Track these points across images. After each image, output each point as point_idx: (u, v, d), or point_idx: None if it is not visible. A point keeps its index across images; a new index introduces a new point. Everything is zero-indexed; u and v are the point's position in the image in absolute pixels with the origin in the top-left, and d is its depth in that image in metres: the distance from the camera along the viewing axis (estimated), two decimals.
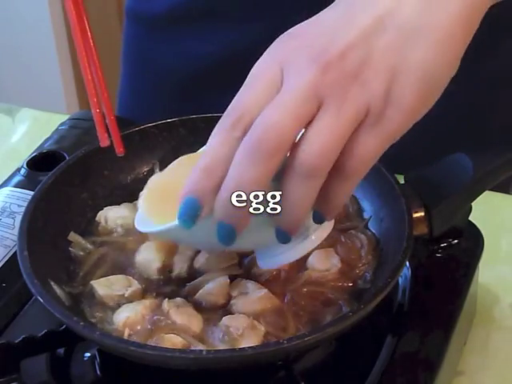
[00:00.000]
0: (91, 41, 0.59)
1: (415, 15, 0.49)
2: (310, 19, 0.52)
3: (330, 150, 0.48)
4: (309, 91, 0.48)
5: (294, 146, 0.48)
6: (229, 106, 0.51)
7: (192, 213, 0.50)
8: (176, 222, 0.52)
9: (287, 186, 0.49)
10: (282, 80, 0.49)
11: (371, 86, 0.48)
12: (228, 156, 0.49)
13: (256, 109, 0.49)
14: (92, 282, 0.63)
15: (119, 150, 0.63)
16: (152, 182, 0.66)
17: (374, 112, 0.49)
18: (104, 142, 0.61)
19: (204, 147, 0.56)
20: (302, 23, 0.52)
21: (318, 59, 0.48)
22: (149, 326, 0.59)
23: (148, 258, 0.64)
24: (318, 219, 0.53)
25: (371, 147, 0.49)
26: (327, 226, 0.57)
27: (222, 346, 0.58)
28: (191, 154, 0.65)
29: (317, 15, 0.53)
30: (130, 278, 0.63)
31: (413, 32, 0.49)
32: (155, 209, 0.61)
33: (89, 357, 0.63)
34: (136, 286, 0.63)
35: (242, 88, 0.51)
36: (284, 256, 0.57)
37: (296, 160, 0.48)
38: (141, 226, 0.61)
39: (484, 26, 0.84)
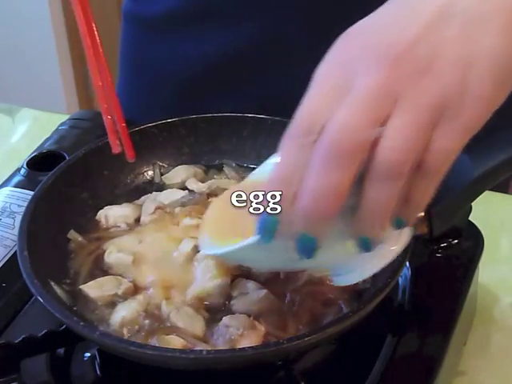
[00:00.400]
0: (100, 48, 0.59)
1: (477, 1, 0.48)
2: (366, 18, 0.50)
3: (410, 145, 0.46)
4: (381, 88, 0.46)
5: (373, 147, 0.46)
6: (296, 114, 0.48)
7: (271, 226, 0.48)
8: (252, 238, 0.49)
9: (368, 189, 0.47)
10: (349, 81, 0.47)
11: (445, 78, 0.47)
12: (303, 164, 0.46)
13: (327, 112, 0.47)
14: (81, 287, 0.63)
15: (130, 156, 0.63)
16: (213, 205, 0.64)
17: (451, 104, 0.47)
18: (116, 149, 0.61)
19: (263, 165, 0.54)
20: (359, 22, 0.50)
21: (386, 56, 0.47)
22: (147, 328, 0.59)
23: None
24: (399, 224, 0.50)
25: (452, 141, 0.47)
26: (407, 231, 0.54)
27: (222, 346, 0.58)
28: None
29: (372, 13, 0.50)
30: (118, 277, 0.63)
31: (479, 18, 0.47)
32: (218, 232, 0.59)
33: (89, 357, 0.63)
34: (126, 283, 0.63)
35: (307, 94, 0.48)
36: (362, 270, 0.54)
37: (376, 160, 0.46)
38: (208, 250, 0.59)
39: None
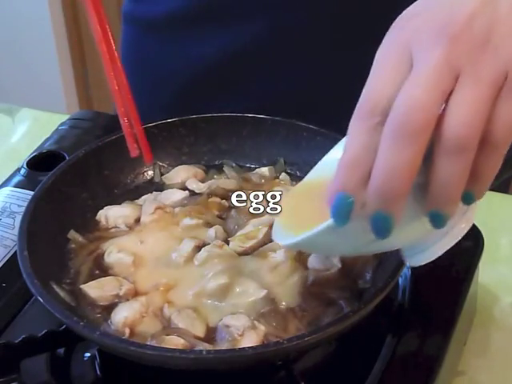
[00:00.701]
0: (115, 53, 0.60)
1: None
2: (415, 3, 0.52)
3: (476, 118, 0.47)
4: (444, 64, 0.47)
5: (438, 123, 0.47)
6: (361, 97, 0.49)
7: (346, 208, 0.48)
8: (327, 222, 0.50)
9: (438, 164, 0.47)
10: (410, 60, 0.49)
11: (504, 50, 0.48)
12: (372, 144, 0.47)
13: (392, 91, 0.48)
14: (82, 286, 0.63)
15: (148, 159, 0.64)
16: (287, 196, 0.65)
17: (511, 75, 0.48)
18: (134, 153, 0.61)
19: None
20: (414, 4, 0.52)
21: (444, 32, 0.48)
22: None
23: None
24: (468, 199, 0.51)
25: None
26: (473, 208, 0.54)
27: (222, 346, 0.58)
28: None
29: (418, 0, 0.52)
30: (119, 278, 0.63)
31: None
32: (292, 223, 0.60)
33: (89, 357, 0.63)
34: (128, 284, 0.63)
35: (369, 76, 0.50)
36: (434, 249, 0.54)
37: (443, 135, 0.47)
38: (282, 240, 0.59)
39: None
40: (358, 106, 0.49)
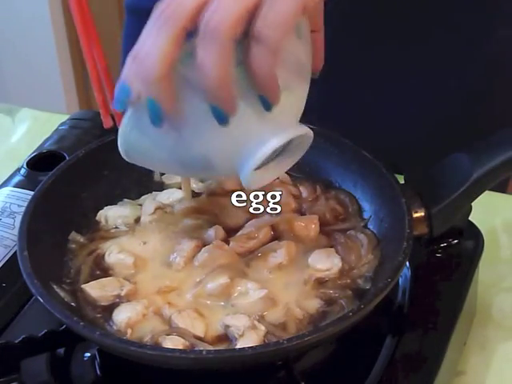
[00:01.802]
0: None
1: None
2: None
3: (234, 13, 0.49)
4: None
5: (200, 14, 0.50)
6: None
7: (123, 95, 0.52)
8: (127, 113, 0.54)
9: (198, 49, 0.50)
10: None
11: None
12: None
13: None
14: (83, 286, 0.63)
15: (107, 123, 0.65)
16: None
17: None
18: (107, 123, 0.63)
19: None
20: None
21: None
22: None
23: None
24: (265, 103, 0.53)
25: (283, 9, 0.50)
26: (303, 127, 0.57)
27: (222, 346, 0.58)
28: None
29: None
30: (120, 278, 0.63)
31: None
32: None
33: (89, 357, 0.63)
34: (129, 285, 0.63)
35: None
36: (264, 146, 0.54)
37: (203, 23, 0.50)
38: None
39: (480, 13, 0.85)
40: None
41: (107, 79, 0.62)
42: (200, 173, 0.63)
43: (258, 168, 0.55)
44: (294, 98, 0.56)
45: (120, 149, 0.58)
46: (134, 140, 0.56)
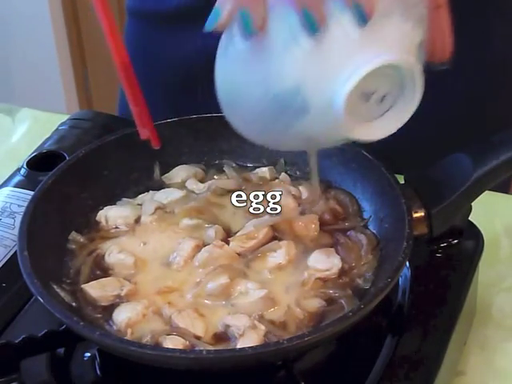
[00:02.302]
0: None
1: None
2: None
3: None
4: None
5: None
6: None
7: (215, 16, 0.54)
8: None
9: None
10: None
11: None
12: None
13: None
14: (83, 286, 0.63)
15: (156, 143, 0.69)
16: None
17: None
18: (143, 135, 0.67)
19: None
20: None
21: None
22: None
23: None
24: (360, 14, 0.49)
25: None
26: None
27: (222, 346, 0.58)
28: None
29: None
30: (120, 278, 0.63)
31: None
32: None
33: (89, 357, 0.63)
34: (129, 285, 0.63)
35: None
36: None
37: None
38: None
39: (479, 14, 0.84)
40: None
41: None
42: (296, 124, 0.54)
43: (360, 118, 0.53)
44: (395, 28, 0.51)
45: (220, 95, 0.57)
46: (230, 73, 0.55)
